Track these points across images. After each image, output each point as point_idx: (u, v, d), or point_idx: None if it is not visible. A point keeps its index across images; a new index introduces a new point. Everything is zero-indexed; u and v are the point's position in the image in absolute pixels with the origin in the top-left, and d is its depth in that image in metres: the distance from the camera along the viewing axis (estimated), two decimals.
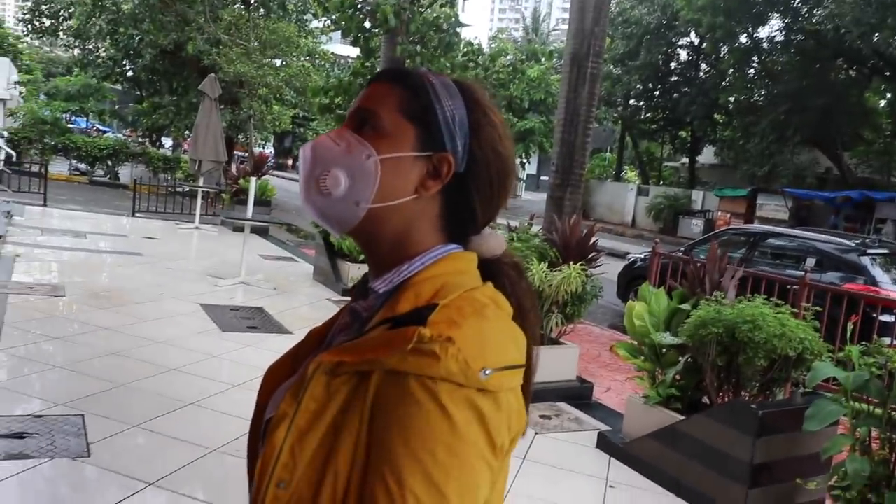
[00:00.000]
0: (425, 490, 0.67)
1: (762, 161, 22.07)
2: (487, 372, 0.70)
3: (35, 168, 14.42)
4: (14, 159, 15.97)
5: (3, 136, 16.93)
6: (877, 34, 17.09)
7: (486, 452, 0.71)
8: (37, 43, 37.65)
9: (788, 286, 5.81)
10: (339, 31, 11.91)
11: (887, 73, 20.83)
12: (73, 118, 30.79)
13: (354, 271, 7.95)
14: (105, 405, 3.89)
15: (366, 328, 0.79)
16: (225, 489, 3.23)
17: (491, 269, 0.86)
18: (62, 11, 21.95)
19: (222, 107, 15.72)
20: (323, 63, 21.09)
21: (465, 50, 12.25)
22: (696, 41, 27.52)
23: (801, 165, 21.77)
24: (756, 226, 14.08)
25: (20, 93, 33.85)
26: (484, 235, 0.89)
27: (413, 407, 0.69)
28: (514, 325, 0.79)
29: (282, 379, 0.88)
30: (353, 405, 0.73)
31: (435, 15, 10.84)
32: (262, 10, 20.69)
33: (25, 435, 3.38)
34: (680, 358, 3.94)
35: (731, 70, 25.25)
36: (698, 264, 4.63)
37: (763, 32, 24.39)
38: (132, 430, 3.63)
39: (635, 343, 4.34)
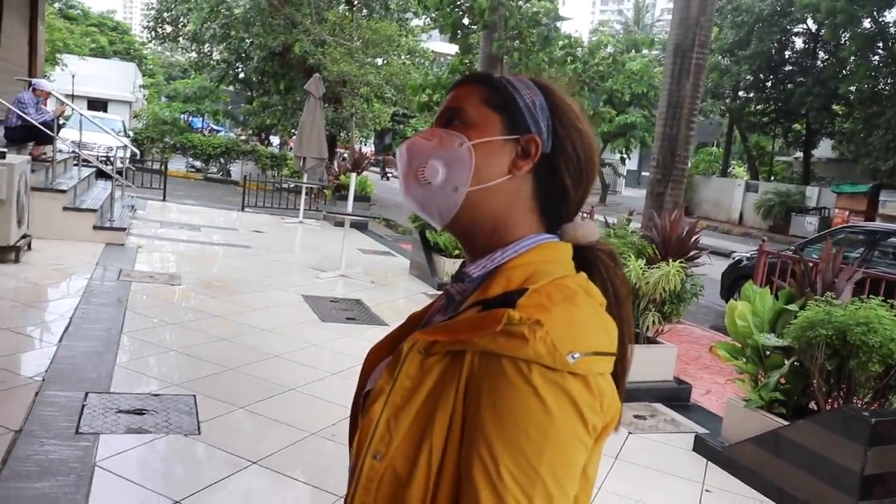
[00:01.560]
0: (519, 467, 0.70)
1: (887, 155, 20.55)
2: (576, 355, 0.72)
3: (156, 166, 15.44)
4: (138, 157, 17.17)
5: (129, 136, 18.24)
6: None
7: (579, 431, 0.73)
8: (159, 48, 40.20)
9: None
10: (439, 29, 12.06)
11: None
12: (190, 118, 32.73)
13: (449, 266, 8.05)
14: (214, 387, 4.14)
15: (459, 310, 0.83)
16: (324, 471, 3.37)
17: (585, 257, 0.88)
18: (181, 18, 23.36)
19: (325, 105, 16.25)
20: (423, 61, 21.40)
21: (562, 44, 12.09)
22: (814, 28, 25.92)
23: None
24: (877, 223, 13.12)
25: (144, 95, 36.30)
26: (577, 223, 0.91)
27: (506, 387, 0.71)
28: (604, 313, 0.80)
29: (382, 358, 0.93)
30: (447, 383, 0.76)
31: (534, 10, 10.76)
32: (364, 11, 21.24)
33: (144, 412, 3.65)
34: (785, 361, 3.76)
35: (852, 57, 23.60)
36: (809, 263, 4.39)
37: (890, 16, 22.67)
38: (238, 412, 3.85)
39: (737, 344, 4.17)
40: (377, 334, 5.81)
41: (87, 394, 3.76)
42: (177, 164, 20.61)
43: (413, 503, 0.76)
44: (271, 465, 3.27)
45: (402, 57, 20.62)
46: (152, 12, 24.40)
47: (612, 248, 0.92)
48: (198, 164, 21.28)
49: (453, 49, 12.03)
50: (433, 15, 12.09)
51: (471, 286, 0.87)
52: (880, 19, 22.46)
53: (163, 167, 14.41)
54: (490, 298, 0.79)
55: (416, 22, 22.54)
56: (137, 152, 17.33)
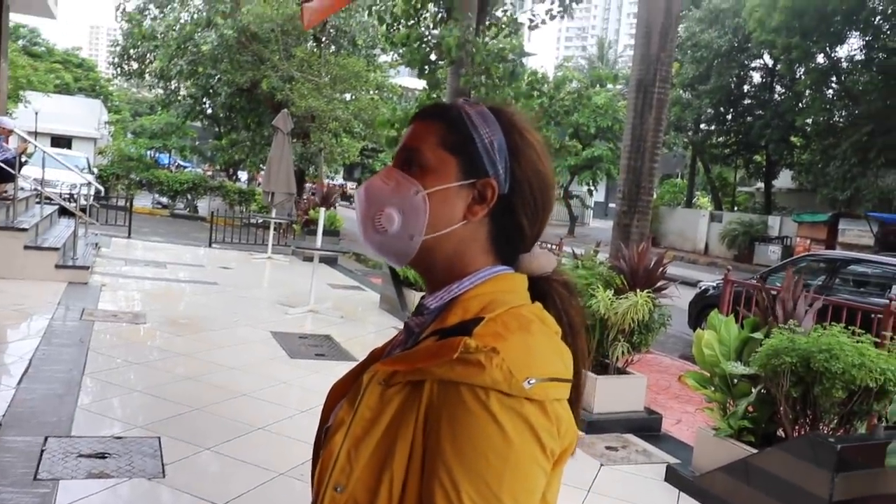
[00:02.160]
0: (480, 494, 0.71)
1: (844, 185, 21.20)
2: (532, 381, 0.73)
3: (121, 202, 15.24)
4: (102, 194, 16.94)
5: (93, 173, 18.00)
6: None
7: (538, 456, 0.74)
8: (125, 85, 40.02)
9: (872, 315, 5.53)
10: (406, 64, 12.21)
11: None
12: (157, 154, 32.47)
13: (419, 299, 8.03)
14: (179, 428, 4.04)
15: (418, 341, 0.84)
16: None
17: (541, 288, 0.90)
18: (148, 55, 23.31)
19: (294, 140, 16.27)
20: (391, 95, 21.60)
21: (528, 79, 12.32)
22: (770, 63, 26.81)
23: (887, 188, 20.76)
24: (837, 251, 13.46)
25: (109, 132, 35.95)
26: (534, 254, 0.92)
27: (465, 415, 0.72)
28: (559, 341, 0.82)
29: (344, 394, 0.93)
30: (407, 413, 0.77)
31: (500, 46, 10.97)
32: (332, 47, 21.44)
33: (106, 455, 3.54)
34: (752, 389, 3.80)
35: (807, 91, 24.45)
36: (771, 291, 4.47)
37: (842, 51, 23.59)
38: (204, 453, 3.76)
39: (705, 373, 4.21)
40: (346, 370, 5.76)
41: (46, 438, 3.64)
42: (143, 201, 20.37)
43: None
44: None
45: (371, 92, 20.79)
46: (118, 49, 24.33)
47: (568, 278, 0.94)
48: (164, 200, 21.06)
49: (422, 84, 12.19)
50: (401, 51, 12.26)
51: (429, 318, 0.88)
52: (833, 55, 23.35)
53: (128, 204, 14.23)
54: (447, 328, 0.80)
55: (384, 58, 22.80)
56: (102, 189, 17.08)
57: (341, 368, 5.20)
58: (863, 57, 22.48)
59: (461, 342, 0.74)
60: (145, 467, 3.46)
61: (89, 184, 11.67)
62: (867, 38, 21.69)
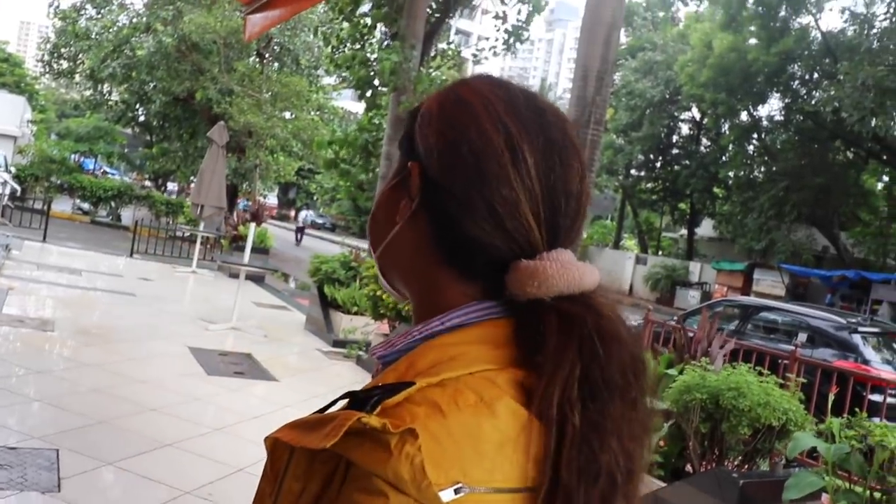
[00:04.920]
0: None
1: (760, 236, 22.29)
2: (462, 490, 0.52)
3: (38, 205, 14.55)
4: (18, 195, 16.14)
5: (9, 172, 17.16)
6: (875, 118, 17.52)
7: None
8: (53, 84, 38.55)
9: (780, 360, 5.79)
10: (350, 86, 12.23)
11: (884, 157, 21.23)
12: (82, 159, 31.22)
13: (346, 322, 7.94)
14: (81, 441, 3.84)
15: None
16: None
17: (557, 314, 0.61)
18: (80, 55, 22.55)
19: (228, 154, 15.97)
20: (332, 117, 21.54)
21: None
22: (698, 116, 28.19)
23: (799, 242, 21.96)
24: (750, 298, 14.08)
25: (32, 131, 34.43)
26: (547, 260, 0.62)
27: None
28: (530, 427, 0.57)
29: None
30: (327, 494, 0.56)
31: (444, 78, 11.14)
32: (276, 64, 21.27)
33: None
34: (665, 424, 3.91)
35: (731, 146, 25.79)
36: (687, 331, 4.64)
37: (763, 111, 25.08)
38: (106, 468, 3.57)
39: None
40: (266, 390, 5.63)
41: None
42: (63, 206, 19.49)
43: None
44: None
45: (312, 112, 20.68)
46: (48, 46, 23.45)
47: (608, 310, 0.63)
48: (86, 206, 20.22)
49: (363, 106, 12.21)
50: (344, 73, 12.28)
51: (376, 371, 0.69)
52: (755, 113, 24.74)
53: (45, 207, 13.60)
54: (364, 390, 0.59)
55: (327, 80, 22.76)
56: (18, 189, 16.29)
57: (259, 388, 5.10)
58: (782, 117, 23.89)
59: (351, 418, 0.52)
60: (39, 480, 3.26)
61: (4, 182, 11.11)
62: (786, 100, 23.09)
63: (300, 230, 30.08)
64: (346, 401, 0.59)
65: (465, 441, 0.53)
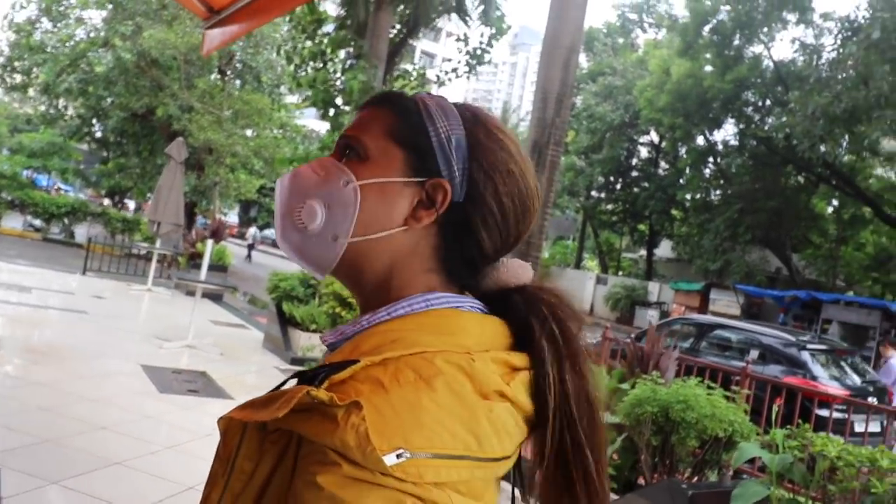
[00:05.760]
0: None
1: (715, 257, 22.80)
2: (404, 455, 0.55)
3: None
4: None
5: None
6: (824, 145, 18.16)
7: None
8: (6, 98, 37.65)
9: (732, 376, 5.93)
10: (312, 105, 12.22)
11: (833, 182, 21.97)
12: (35, 175, 30.46)
13: (305, 340, 7.87)
14: (25, 460, 3.73)
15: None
16: None
17: (519, 299, 0.72)
18: (35, 69, 22.10)
19: (188, 171, 15.78)
20: (294, 135, 21.45)
21: None
22: (657, 140, 28.85)
23: (752, 263, 22.53)
24: (704, 316, 14.39)
25: None
26: (502, 262, 0.76)
27: (303, 485, 0.57)
28: (480, 407, 0.61)
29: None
30: (280, 469, 0.61)
31: None
32: (237, 81, 21.14)
33: None
34: (617, 437, 3.97)
35: (688, 169, 26.44)
36: (640, 347, 4.73)
37: (719, 136, 25.78)
38: (51, 487, 3.47)
39: None
40: (221, 408, 5.52)
41: None
42: (13, 222, 18.98)
43: None
44: None
45: (274, 130, 20.58)
46: (1, 59, 22.92)
47: (556, 286, 0.75)
48: (37, 223, 19.70)
49: (326, 125, 12.20)
50: (307, 92, 12.27)
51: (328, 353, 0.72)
52: (711, 138, 25.42)
53: None
54: (311, 369, 0.63)
55: (290, 98, 22.69)
56: None
57: (214, 406, 5.02)
58: (736, 142, 24.59)
59: (300, 392, 0.56)
60: None
61: None
62: (741, 126, 23.79)
63: (250, 247, 30.41)
64: (295, 380, 0.63)
65: (405, 413, 0.57)
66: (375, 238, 0.71)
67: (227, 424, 0.65)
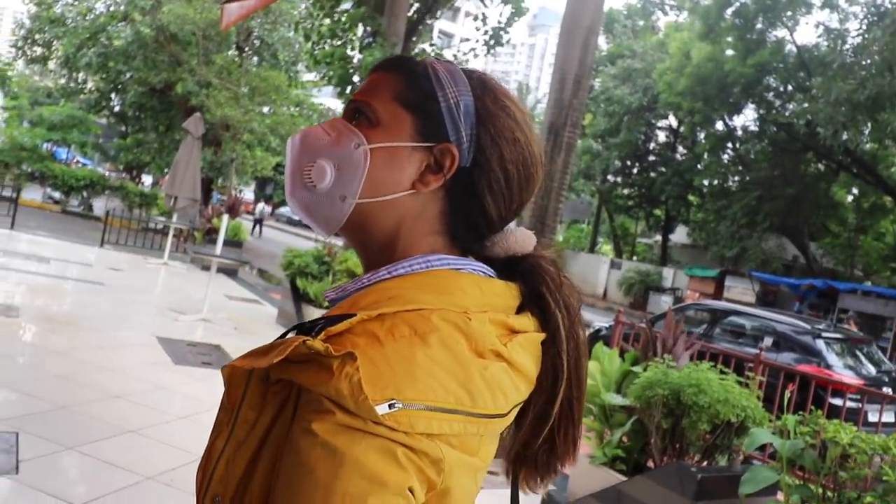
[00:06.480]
0: None
1: (731, 244, 22.61)
2: (396, 405, 0.58)
3: (7, 193, 14.30)
4: None
5: None
6: (846, 132, 17.87)
7: (376, 498, 0.56)
8: (27, 71, 37.89)
9: (745, 363, 5.90)
10: (329, 82, 12.20)
11: (854, 170, 21.66)
12: (55, 148, 30.67)
13: (318, 316, 7.92)
14: (42, 425, 3.79)
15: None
16: None
17: (522, 267, 0.76)
18: (55, 42, 22.18)
19: (204, 147, 15.82)
20: (310, 113, 21.42)
21: None
22: (675, 124, 28.51)
23: (769, 251, 22.33)
24: (719, 302, 14.31)
25: (3, 118, 33.79)
26: (509, 230, 0.79)
27: (299, 431, 0.60)
28: (475, 364, 0.64)
29: None
30: (280, 419, 0.64)
31: None
32: (255, 58, 21.10)
33: None
34: (628, 419, 3.96)
35: (706, 154, 26.12)
36: (655, 331, 4.71)
37: (738, 121, 25.45)
38: (67, 452, 3.53)
39: (586, 403, 4.35)
40: None
41: None
42: (33, 194, 19.16)
43: None
44: None
45: (291, 108, 20.54)
46: (22, 31, 23.02)
47: (555, 256, 0.79)
48: (57, 195, 19.88)
49: (342, 105, 12.18)
50: (323, 69, 12.24)
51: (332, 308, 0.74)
52: (730, 123, 25.10)
53: (14, 194, 13.37)
54: (308, 322, 0.67)
55: (307, 76, 22.63)
56: None
57: None
58: (756, 128, 24.27)
59: (297, 343, 0.59)
60: None
61: None
62: (761, 112, 23.46)
63: (258, 222, 30.14)
64: (294, 332, 0.66)
65: (399, 365, 0.60)
66: (383, 200, 0.74)
67: (231, 373, 0.68)
